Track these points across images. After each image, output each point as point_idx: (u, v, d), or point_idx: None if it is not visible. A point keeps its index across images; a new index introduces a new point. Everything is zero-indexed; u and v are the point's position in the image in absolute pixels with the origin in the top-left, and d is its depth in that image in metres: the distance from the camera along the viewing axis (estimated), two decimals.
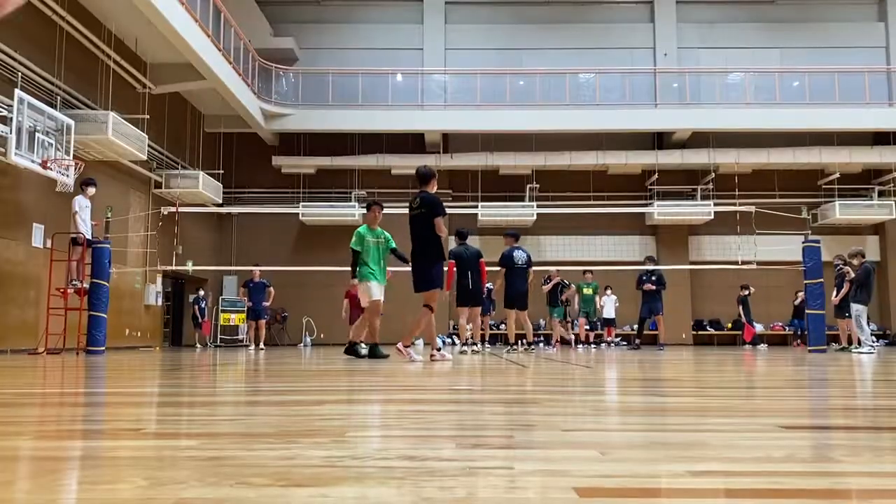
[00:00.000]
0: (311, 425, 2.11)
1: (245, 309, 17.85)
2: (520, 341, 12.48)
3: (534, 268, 11.93)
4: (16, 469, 1.47)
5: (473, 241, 10.96)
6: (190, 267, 16.05)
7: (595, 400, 3.14)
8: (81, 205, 10.91)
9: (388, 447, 1.73)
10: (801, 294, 13.89)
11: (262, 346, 15.83)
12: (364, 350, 8.21)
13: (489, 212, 18.57)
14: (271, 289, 16.18)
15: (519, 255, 11.46)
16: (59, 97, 12.41)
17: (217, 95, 16.84)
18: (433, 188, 7.38)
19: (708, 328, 21.49)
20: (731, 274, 16.92)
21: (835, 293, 13.03)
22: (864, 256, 12.45)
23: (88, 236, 10.92)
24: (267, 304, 16.14)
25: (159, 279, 17.34)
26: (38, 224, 12.02)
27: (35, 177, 11.22)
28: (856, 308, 12.14)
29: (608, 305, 17.97)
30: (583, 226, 20.39)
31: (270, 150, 20.90)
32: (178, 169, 17.28)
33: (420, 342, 19.73)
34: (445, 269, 8.65)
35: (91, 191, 11.10)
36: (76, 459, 1.57)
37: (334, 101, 19.60)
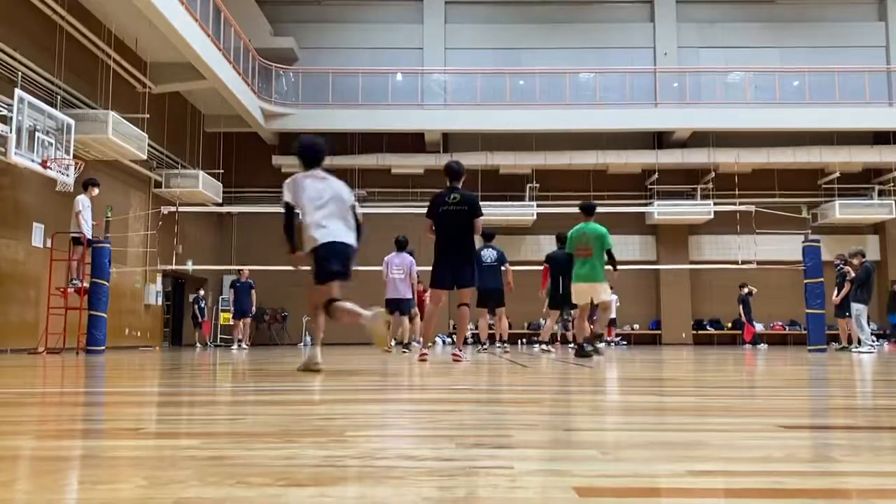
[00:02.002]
0: (311, 425, 2.11)
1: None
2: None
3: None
4: (16, 469, 1.47)
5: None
6: (190, 267, 16.06)
7: (595, 400, 3.14)
8: (84, 204, 10.91)
9: (388, 447, 1.73)
10: None
11: (245, 345, 15.49)
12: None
13: (489, 211, 18.40)
14: (254, 291, 15.78)
15: (487, 254, 11.20)
16: (59, 97, 12.41)
17: (217, 95, 16.84)
18: (462, 185, 7.24)
19: (708, 328, 21.49)
20: (731, 274, 16.91)
21: (835, 293, 13.02)
22: (864, 256, 12.45)
23: (89, 236, 10.92)
24: (252, 307, 15.81)
25: (159, 279, 17.34)
26: (38, 224, 12.02)
27: (35, 176, 11.22)
28: (856, 308, 12.14)
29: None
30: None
31: (270, 150, 20.90)
32: (178, 168, 17.28)
33: (418, 342, 19.72)
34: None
35: (95, 191, 11.11)
36: (76, 459, 1.57)
37: (334, 101, 19.60)
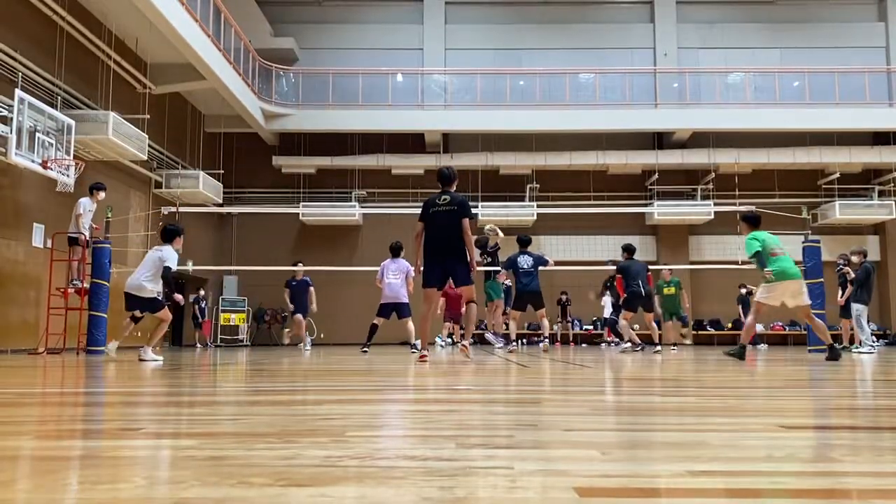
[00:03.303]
0: (311, 425, 2.11)
1: (245, 309, 17.74)
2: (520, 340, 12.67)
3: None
4: (16, 469, 1.47)
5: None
6: (190, 267, 16.03)
7: (595, 400, 3.14)
8: (86, 207, 10.91)
9: (388, 447, 1.73)
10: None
11: (307, 344, 14.51)
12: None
13: (489, 212, 18.55)
14: (313, 288, 14.42)
15: (524, 260, 11.66)
16: (59, 97, 12.41)
17: (217, 95, 16.84)
18: (454, 189, 7.43)
19: (708, 328, 21.48)
20: (731, 274, 16.92)
21: (840, 293, 12.99)
22: (865, 256, 12.42)
23: (87, 237, 10.93)
24: (312, 306, 14.20)
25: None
26: (38, 224, 12.02)
27: (35, 177, 11.21)
28: (856, 308, 12.14)
29: (608, 306, 17.99)
30: (583, 226, 20.39)
31: (270, 150, 20.90)
32: (178, 169, 17.28)
33: (418, 341, 19.70)
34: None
35: (101, 195, 11.10)
36: (76, 459, 1.57)
37: (334, 102, 19.60)
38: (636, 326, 19.48)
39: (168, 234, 8.13)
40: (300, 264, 14.66)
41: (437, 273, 7.13)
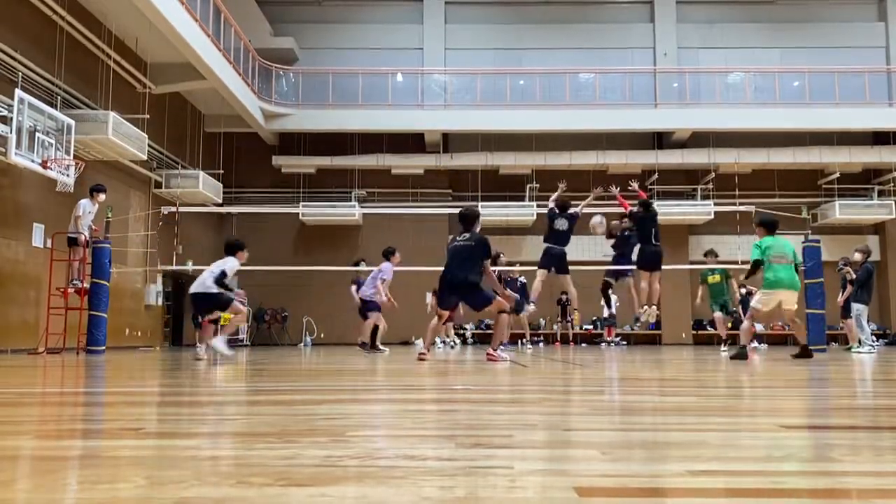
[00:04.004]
0: (311, 425, 2.11)
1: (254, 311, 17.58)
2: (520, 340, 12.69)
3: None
4: (16, 469, 1.47)
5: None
6: (190, 267, 16.02)
7: (595, 400, 3.14)
8: (86, 209, 10.90)
9: (388, 447, 1.73)
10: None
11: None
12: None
13: (489, 212, 18.52)
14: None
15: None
16: (59, 97, 12.41)
17: (217, 95, 16.83)
18: (478, 228, 7.79)
19: (708, 328, 21.45)
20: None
21: (840, 294, 12.98)
22: (869, 255, 12.40)
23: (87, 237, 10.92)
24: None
25: (159, 279, 17.34)
26: (38, 224, 12.02)
27: (35, 177, 11.21)
28: (856, 308, 12.14)
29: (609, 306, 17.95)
30: (583, 226, 20.37)
31: (270, 150, 20.89)
32: (178, 169, 17.27)
33: (419, 342, 19.71)
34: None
35: (102, 197, 11.10)
36: (76, 459, 1.57)
37: (334, 101, 19.59)
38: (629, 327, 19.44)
39: (228, 248, 8.58)
40: (363, 264, 13.56)
41: (454, 301, 7.94)
